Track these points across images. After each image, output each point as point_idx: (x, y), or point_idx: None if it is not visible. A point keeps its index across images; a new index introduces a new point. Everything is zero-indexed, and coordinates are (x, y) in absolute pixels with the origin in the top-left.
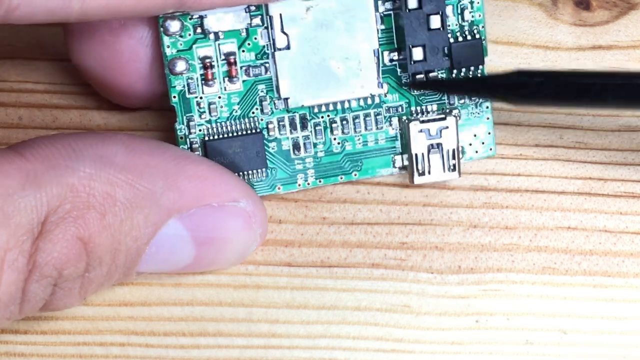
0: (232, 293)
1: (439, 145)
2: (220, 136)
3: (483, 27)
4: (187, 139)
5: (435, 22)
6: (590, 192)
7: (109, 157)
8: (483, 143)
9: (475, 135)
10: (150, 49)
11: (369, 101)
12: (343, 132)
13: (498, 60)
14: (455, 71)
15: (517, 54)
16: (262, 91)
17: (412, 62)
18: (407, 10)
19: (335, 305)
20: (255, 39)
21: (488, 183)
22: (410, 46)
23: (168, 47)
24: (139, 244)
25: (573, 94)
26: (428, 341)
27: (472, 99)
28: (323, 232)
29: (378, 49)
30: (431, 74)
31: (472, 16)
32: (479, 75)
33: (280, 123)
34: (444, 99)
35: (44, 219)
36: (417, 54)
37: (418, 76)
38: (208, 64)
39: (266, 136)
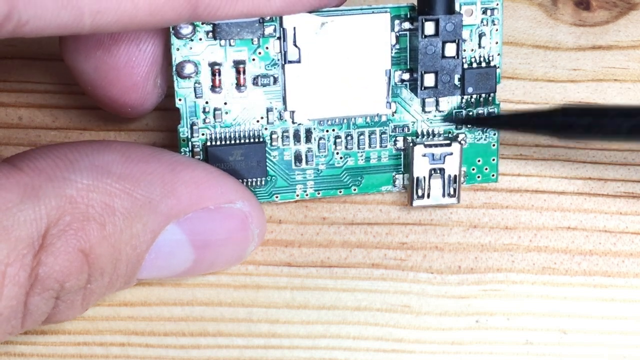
0: (232, 293)
1: (441, 170)
2: (223, 142)
3: (499, 54)
4: (189, 142)
5: (450, 50)
6: (590, 192)
7: (106, 167)
8: (486, 169)
9: (479, 161)
10: (149, 56)
11: (376, 119)
12: (346, 148)
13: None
14: (465, 97)
15: (517, 54)
16: (268, 101)
17: (422, 88)
18: (424, 37)
19: (335, 305)
20: (267, 48)
21: (488, 183)
22: (423, 72)
23: (178, 49)
24: (138, 252)
25: (623, 133)
26: (428, 341)
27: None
28: (323, 232)
29: (390, 70)
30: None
31: (490, 42)
32: (523, 112)
33: (284, 134)
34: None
35: (44, 232)
36: (429, 80)
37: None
38: (216, 71)
39: (269, 145)
